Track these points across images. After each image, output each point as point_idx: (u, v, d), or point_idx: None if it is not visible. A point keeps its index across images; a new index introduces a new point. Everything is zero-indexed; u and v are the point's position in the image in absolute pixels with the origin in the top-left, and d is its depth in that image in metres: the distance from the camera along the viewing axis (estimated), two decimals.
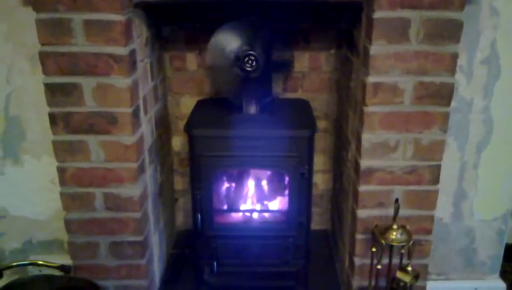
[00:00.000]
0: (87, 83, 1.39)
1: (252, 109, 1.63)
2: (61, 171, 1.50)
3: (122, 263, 1.62)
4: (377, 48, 1.37)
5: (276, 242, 1.70)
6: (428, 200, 1.55)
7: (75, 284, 1.61)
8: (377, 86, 1.41)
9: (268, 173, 1.82)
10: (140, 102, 1.53)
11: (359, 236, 1.59)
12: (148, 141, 1.63)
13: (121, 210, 1.54)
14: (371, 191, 1.53)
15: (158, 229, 1.79)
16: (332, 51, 1.87)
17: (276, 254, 1.71)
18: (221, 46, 1.61)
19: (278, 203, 1.82)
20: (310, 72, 1.90)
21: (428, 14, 1.33)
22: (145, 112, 1.59)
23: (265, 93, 1.73)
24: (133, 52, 1.44)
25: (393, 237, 1.49)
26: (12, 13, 1.58)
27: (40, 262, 1.85)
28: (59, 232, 1.82)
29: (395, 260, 1.55)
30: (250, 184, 1.82)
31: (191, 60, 1.88)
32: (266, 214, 1.80)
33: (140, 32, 1.53)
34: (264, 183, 1.83)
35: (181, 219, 2.14)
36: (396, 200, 1.47)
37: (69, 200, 1.53)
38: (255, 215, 1.79)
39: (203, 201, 1.63)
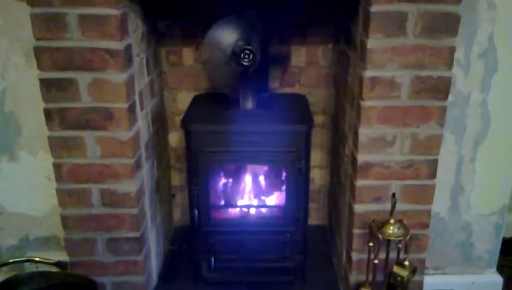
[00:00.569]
0: (83, 78, 1.38)
1: (249, 104, 1.63)
2: (57, 167, 1.49)
3: (119, 259, 1.61)
4: (374, 42, 1.36)
5: (273, 237, 1.70)
6: (426, 194, 1.55)
7: (72, 280, 1.61)
8: (374, 80, 1.40)
9: (266, 168, 1.82)
10: (137, 97, 1.53)
11: (356, 231, 1.59)
12: (144, 137, 1.62)
13: (118, 206, 1.54)
14: (368, 186, 1.53)
15: (155, 225, 1.79)
16: (330, 46, 1.87)
17: (274, 249, 1.71)
18: (217, 40, 1.60)
19: (275, 199, 1.82)
20: (307, 66, 1.90)
21: (426, 8, 1.32)
22: (142, 108, 1.59)
23: (262, 88, 1.73)
24: (128, 47, 1.43)
25: (391, 231, 1.49)
26: (7, 8, 1.57)
27: (37, 259, 1.85)
28: (56, 228, 1.82)
29: (393, 255, 1.55)
30: (248, 179, 1.82)
31: (188, 55, 1.87)
32: (263, 210, 1.80)
33: (136, 26, 1.53)
34: (261, 178, 1.83)
35: (178, 215, 2.14)
36: (393, 195, 1.47)
37: (66, 197, 1.52)
38: (252, 210, 1.79)
39: (200, 197, 1.63)
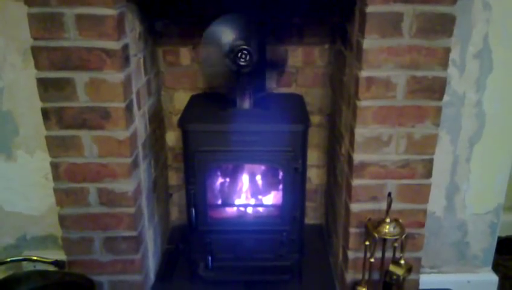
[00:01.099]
0: (80, 78, 1.39)
1: (246, 104, 1.64)
2: (54, 166, 1.49)
3: (116, 258, 1.62)
4: (370, 42, 1.37)
5: (270, 236, 1.71)
6: (421, 194, 1.56)
7: (70, 279, 1.61)
8: (369, 80, 1.41)
9: (262, 167, 1.82)
10: (134, 97, 1.53)
11: (352, 230, 1.60)
12: (141, 136, 1.63)
13: (115, 205, 1.54)
14: (364, 185, 1.54)
15: (152, 224, 1.79)
16: (326, 46, 1.88)
17: (271, 248, 1.72)
18: (215, 39, 1.60)
19: (272, 198, 1.83)
20: (303, 66, 1.90)
21: (421, 8, 1.33)
22: (139, 107, 1.59)
23: (259, 88, 1.74)
24: (126, 47, 1.43)
25: (386, 230, 1.50)
26: (4, 8, 1.57)
27: (35, 258, 1.85)
28: (53, 227, 1.82)
29: (388, 254, 1.56)
30: (244, 179, 1.83)
31: (185, 54, 1.88)
32: (260, 209, 1.81)
33: (133, 26, 1.53)
34: (258, 177, 1.84)
35: (175, 214, 2.14)
36: (389, 194, 1.48)
37: (63, 196, 1.53)
38: (249, 210, 1.80)
39: (197, 196, 1.63)
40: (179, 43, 1.86)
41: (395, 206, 1.52)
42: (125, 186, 1.52)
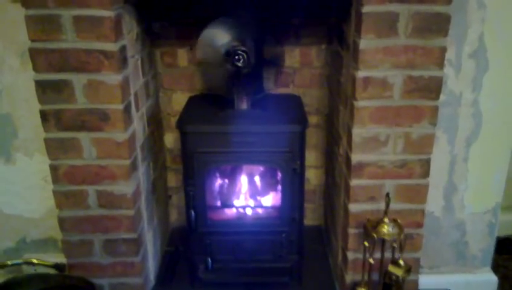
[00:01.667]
0: (78, 80, 1.39)
1: (244, 105, 1.64)
2: (53, 168, 1.50)
3: (116, 261, 1.62)
4: (366, 42, 1.38)
5: (269, 238, 1.71)
6: (419, 193, 1.56)
7: (70, 282, 1.61)
8: (366, 80, 1.42)
9: (261, 168, 1.82)
10: (132, 98, 1.54)
11: (351, 230, 1.60)
12: (140, 138, 1.63)
13: (115, 207, 1.54)
14: (363, 186, 1.54)
15: (152, 226, 1.79)
16: (323, 46, 1.88)
17: (270, 249, 1.72)
18: (211, 41, 1.61)
19: (270, 199, 1.83)
20: (301, 67, 1.91)
21: (417, 8, 1.34)
22: (137, 109, 1.59)
23: (256, 88, 1.74)
24: (123, 48, 1.44)
25: (385, 230, 1.50)
26: (1, 10, 1.57)
27: (35, 261, 1.85)
28: (53, 230, 1.82)
29: (388, 254, 1.56)
30: (243, 180, 1.83)
31: (182, 56, 1.88)
32: (259, 210, 1.81)
33: (131, 28, 1.54)
34: (257, 179, 1.84)
35: (175, 216, 2.14)
36: (387, 194, 1.48)
37: (62, 198, 1.53)
38: (248, 211, 1.80)
39: (196, 197, 1.63)
40: (176, 45, 1.87)
41: (393, 206, 1.53)
42: (124, 188, 1.52)
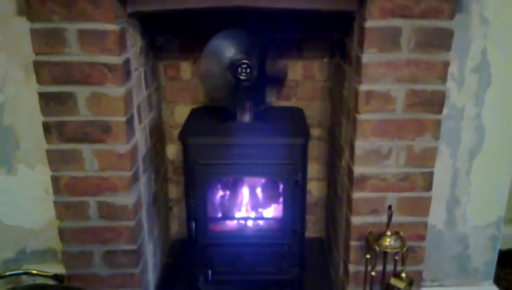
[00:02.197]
0: (81, 92, 1.40)
1: (246, 117, 1.64)
2: (55, 180, 1.49)
3: (116, 272, 1.61)
4: (369, 57, 1.38)
5: (270, 250, 1.71)
6: (422, 206, 1.56)
7: None
8: (369, 93, 1.42)
9: (263, 180, 1.82)
10: (135, 111, 1.54)
11: (353, 243, 1.60)
12: (142, 150, 1.63)
13: (115, 219, 1.54)
14: (365, 198, 1.54)
15: (152, 237, 1.79)
16: (326, 60, 1.89)
17: (271, 261, 1.71)
18: (215, 54, 1.62)
19: (272, 211, 1.82)
20: (303, 80, 1.92)
21: (419, 23, 1.34)
22: (139, 121, 1.60)
23: (259, 101, 1.74)
24: (127, 61, 1.44)
25: (387, 243, 1.49)
26: (7, 23, 1.59)
27: (34, 271, 1.84)
28: (53, 241, 1.81)
29: (389, 267, 1.56)
30: (245, 192, 1.83)
31: (185, 69, 1.89)
32: (260, 222, 1.81)
33: (135, 41, 1.54)
34: (259, 191, 1.84)
35: (176, 228, 2.14)
36: (390, 207, 1.48)
37: (63, 209, 1.53)
38: (250, 223, 1.79)
39: (197, 209, 1.63)
40: (179, 58, 1.88)
41: (396, 219, 1.52)
42: (125, 199, 1.52)
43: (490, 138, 1.67)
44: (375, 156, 1.49)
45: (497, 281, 1.93)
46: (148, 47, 1.72)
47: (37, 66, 1.37)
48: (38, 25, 1.33)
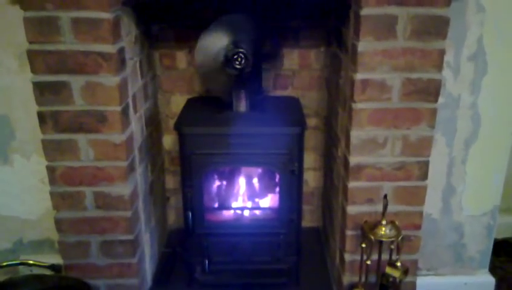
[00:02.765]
0: (76, 82, 1.39)
1: (242, 107, 1.64)
2: (51, 170, 1.49)
3: (113, 262, 1.61)
4: (365, 45, 1.37)
5: (267, 239, 1.71)
6: (417, 195, 1.56)
7: (66, 283, 1.61)
8: (365, 82, 1.42)
9: (259, 170, 1.82)
10: (130, 100, 1.53)
11: (349, 232, 1.60)
12: (138, 140, 1.63)
13: (112, 209, 1.54)
14: (360, 188, 1.54)
15: (149, 227, 1.79)
16: (322, 49, 1.88)
17: (267, 251, 1.72)
18: (210, 44, 1.61)
19: (268, 201, 1.83)
20: (299, 69, 1.91)
21: (415, 11, 1.34)
22: (135, 110, 1.59)
23: (255, 90, 1.74)
24: (121, 50, 1.43)
25: (383, 232, 1.50)
26: (0, 12, 1.57)
27: (31, 262, 1.85)
28: (50, 231, 1.82)
29: (385, 256, 1.56)
30: (241, 182, 1.83)
31: (181, 58, 1.88)
32: (257, 212, 1.81)
33: (129, 30, 1.53)
34: (255, 180, 1.84)
35: (173, 218, 2.14)
36: (385, 196, 1.48)
37: (59, 200, 1.53)
38: (246, 212, 1.80)
39: (194, 199, 1.63)
40: (175, 47, 1.87)
41: (391, 208, 1.53)
42: (121, 189, 1.52)
43: (486, 127, 1.67)
44: (371, 145, 1.49)
45: (492, 269, 1.94)
46: (143, 36, 1.71)
47: (31, 55, 1.36)
48: (31, 14, 1.32)
